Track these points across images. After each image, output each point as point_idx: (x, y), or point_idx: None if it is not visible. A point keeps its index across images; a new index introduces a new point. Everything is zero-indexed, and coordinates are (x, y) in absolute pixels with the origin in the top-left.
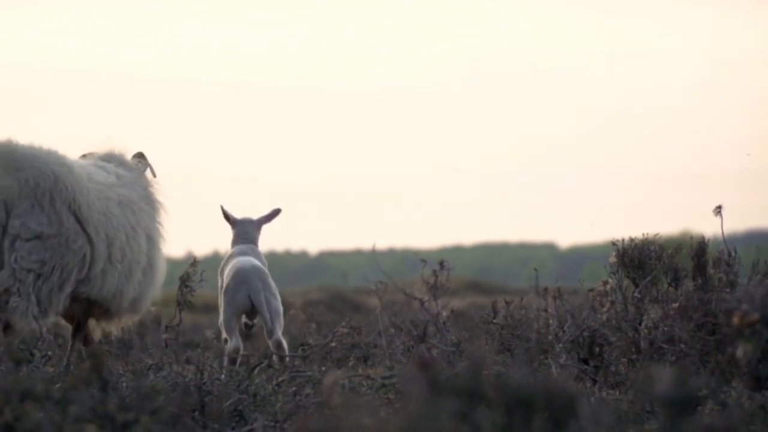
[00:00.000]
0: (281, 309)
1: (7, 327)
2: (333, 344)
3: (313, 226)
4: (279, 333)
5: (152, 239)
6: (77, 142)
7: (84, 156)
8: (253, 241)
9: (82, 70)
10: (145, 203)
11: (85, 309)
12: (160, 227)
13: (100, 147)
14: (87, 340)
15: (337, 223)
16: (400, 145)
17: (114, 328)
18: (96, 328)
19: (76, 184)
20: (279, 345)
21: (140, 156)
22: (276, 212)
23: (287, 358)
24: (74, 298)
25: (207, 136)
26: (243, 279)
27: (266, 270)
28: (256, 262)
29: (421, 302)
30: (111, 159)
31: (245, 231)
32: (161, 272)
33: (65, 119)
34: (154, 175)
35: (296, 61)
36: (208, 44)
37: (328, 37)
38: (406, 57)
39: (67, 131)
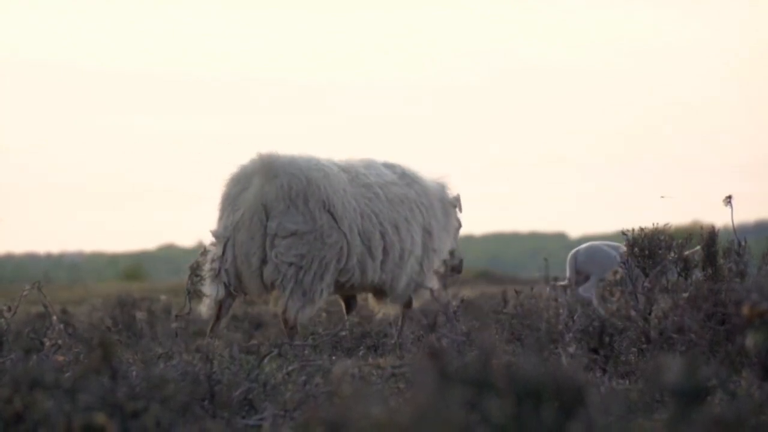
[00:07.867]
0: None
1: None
2: (343, 333)
3: None
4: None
5: (430, 233)
6: (76, 141)
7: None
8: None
9: (81, 69)
10: (428, 202)
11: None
12: (439, 224)
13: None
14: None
15: None
16: (409, 136)
17: (392, 309)
18: (376, 307)
19: (329, 186)
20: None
21: (457, 198)
22: None
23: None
24: (341, 285)
25: (208, 135)
26: None
27: None
28: None
29: (431, 292)
30: (398, 172)
31: None
32: (437, 264)
33: (65, 119)
34: (460, 210)
35: (299, 59)
36: (208, 43)
37: (331, 38)
38: (409, 56)
39: (67, 131)
